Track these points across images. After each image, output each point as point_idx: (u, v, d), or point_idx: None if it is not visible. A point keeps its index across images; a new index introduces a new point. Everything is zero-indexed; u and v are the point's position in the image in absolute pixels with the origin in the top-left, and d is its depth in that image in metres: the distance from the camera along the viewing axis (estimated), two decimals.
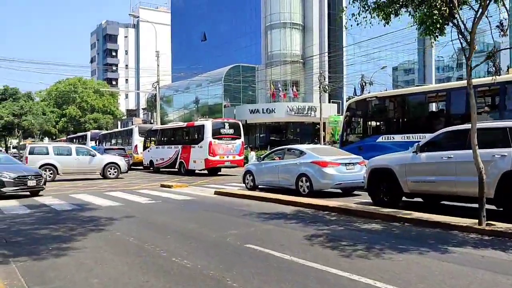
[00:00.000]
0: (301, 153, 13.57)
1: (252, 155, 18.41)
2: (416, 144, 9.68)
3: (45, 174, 16.85)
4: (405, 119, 14.78)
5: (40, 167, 19.79)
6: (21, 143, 56.53)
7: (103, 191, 15.77)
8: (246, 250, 6.42)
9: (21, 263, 5.83)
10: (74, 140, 41.97)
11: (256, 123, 46.58)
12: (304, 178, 12.89)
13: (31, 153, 21.32)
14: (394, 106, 15.37)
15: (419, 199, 10.41)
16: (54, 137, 62.61)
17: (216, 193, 14.15)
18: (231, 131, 23.92)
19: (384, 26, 7.91)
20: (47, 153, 21.32)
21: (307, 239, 7.07)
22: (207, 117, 37.42)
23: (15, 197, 13.80)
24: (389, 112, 15.67)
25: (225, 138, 23.50)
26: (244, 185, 15.61)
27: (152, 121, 55.03)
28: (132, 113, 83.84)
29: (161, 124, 37.24)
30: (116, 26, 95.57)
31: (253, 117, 44.71)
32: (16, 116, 49.85)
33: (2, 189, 13.46)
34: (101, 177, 22.27)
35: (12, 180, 13.71)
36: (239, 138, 24.23)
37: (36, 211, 10.95)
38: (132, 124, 58.14)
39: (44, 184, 14.98)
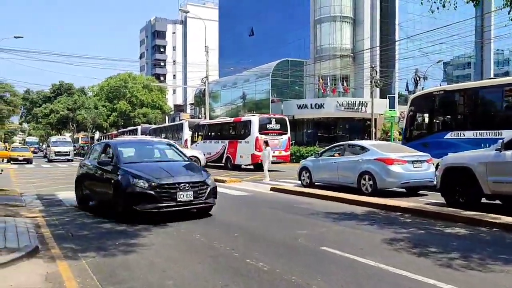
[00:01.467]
0: (364, 149, 12.85)
1: (268, 150, 18.04)
2: (501, 141, 8.78)
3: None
4: (478, 115, 13.68)
5: None
6: (74, 136, 58.65)
7: None
8: (324, 253, 5.90)
9: (91, 259, 5.60)
10: (125, 134, 42.83)
11: (304, 119, 45.72)
12: (367, 176, 12.18)
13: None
14: (464, 100, 14.28)
15: (496, 201, 9.50)
16: (105, 131, 64.45)
17: (272, 189, 13.71)
18: (278, 126, 23.61)
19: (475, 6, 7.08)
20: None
21: (387, 243, 6.46)
22: (254, 112, 37.08)
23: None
24: (459, 106, 14.60)
25: (271, 134, 23.18)
26: (299, 181, 15.06)
27: (199, 116, 55.41)
28: (179, 108, 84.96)
29: (209, 119, 37.29)
30: (164, 22, 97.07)
31: (300, 112, 43.90)
32: (70, 110, 51.68)
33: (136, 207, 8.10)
34: None
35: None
36: (286, 134, 23.83)
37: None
38: (180, 119, 58.93)
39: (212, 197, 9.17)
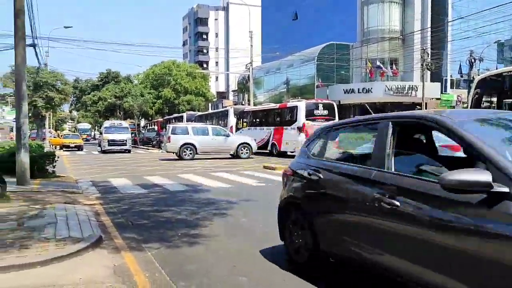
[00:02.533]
0: None
1: (303, 136, 17.12)
2: None
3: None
4: None
5: (181, 147, 21.83)
6: None
7: (208, 172, 15.55)
8: None
9: (155, 250, 5.35)
10: (171, 121, 43.28)
11: (350, 104, 44.53)
12: None
13: (173, 133, 22.51)
14: None
15: None
16: (150, 118, 65.56)
17: None
18: (325, 112, 22.97)
19: None
20: (187, 133, 22.23)
21: None
22: (298, 98, 36.41)
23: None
24: None
25: (318, 119, 22.55)
26: None
27: (242, 103, 55.25)
28: (222, 95, 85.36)
29: (252, 105, 37.00)
30: (207, 9, 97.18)
31: (347, 97, 42.75)
32: (117, 98, 52.65)
33: None
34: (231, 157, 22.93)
35: None
36: (334, 119, 23.10)
37: (150, 191, 10.83)
38: (223, 106, 59.01)
39: None
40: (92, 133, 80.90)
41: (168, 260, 4.94)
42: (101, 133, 34.97)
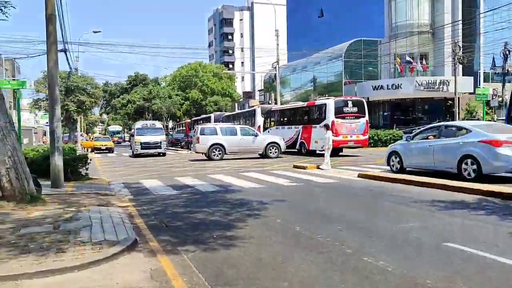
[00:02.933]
0: (464, 130, 11.60)
1: (329, 134, 16.55)
2: None
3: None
4: None
5: (210, 147, 21.91)
6: None
7: (238, 171, 15.45)
8: (449, 250, 5.10)
9: (191, 253, 5.22)
10: (199, 122, 43.49)
11: (379, 101, 43.65)
12: (469, 160, 10.96)
13: (202, 133, 22.50)
14: None
15: None
16: (178, 120, 66.20)
17: (360, 175, 12.86)
18: (355, 109, 22.45)
19: None
20: (216, 134, 22.35)
21: None
22: (326, 95, 35.92)
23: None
24: None
25: (348, 117, 22.14)
26: (386, 167, 14.02)
27: (269, 102, 55.01)
28: (248, 95, 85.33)
29: (279, 104, 36.72)
30: (231, 10, 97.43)
31: (375, 94, 41.92)
32: (146, 100, 53.43)
33: None
34: (259, 157, 22.74)
35: None
36: (363, 117, 22.62)
37: (182, 192, 10.78)
38: (249, 106, 58.93)
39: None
40: (123, 135, 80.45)
41: (205, 264, 4.81)
42: (131, 135, 31.45)
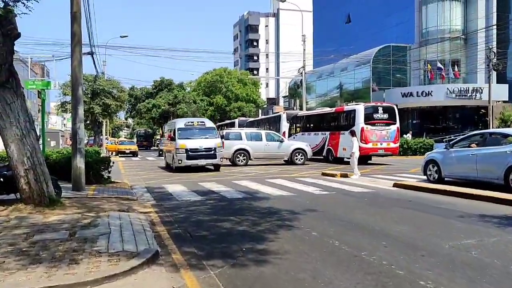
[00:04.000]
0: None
1: (355, 140, 15.64)
2: None
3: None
4: None
5: (234, 152, 21.28)
6: None
7: (264, 178, 14.83)
8: None
9: (219, 269, 4.61)
10: (223, 127, 43.16)
11: (408, 108, 42.38)
12: None
13: (226, 138, 21.69)
14: None
15: None
16: None
17: (396, 185, 12.04)
18: (385, 115, 21.53)
19: None
20: (241, 139, 21.84)
21: None
22: (353, 102, 34.99)
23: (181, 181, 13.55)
24: None
25: (378, 124, 21.26)
26: (424, 176, 13.17)
27: (294, 108, 54.30)
28: (272, 101, 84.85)
29: (305, 110, 35.96)
30: (257, 16, 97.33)
31: (404, 101, 40.68)
32: (171, 105, 53.43)
33: None
34: (284, 163, 22.08)
35: None
36: (394, 124, 21.68)
37: (207, 198, 10.22)
38: (273, 112, 58.29)
39: None
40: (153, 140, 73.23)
41: (235, 282, 4.20)
42: (173, 139, 19.25)
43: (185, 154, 18.05)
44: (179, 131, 18.90)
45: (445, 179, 12.41)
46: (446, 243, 5.63)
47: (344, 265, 4.75)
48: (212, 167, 18.91)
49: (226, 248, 5.49)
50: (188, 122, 20.11)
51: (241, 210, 8.41)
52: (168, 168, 20.13)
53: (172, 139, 19.25)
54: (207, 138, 18.89)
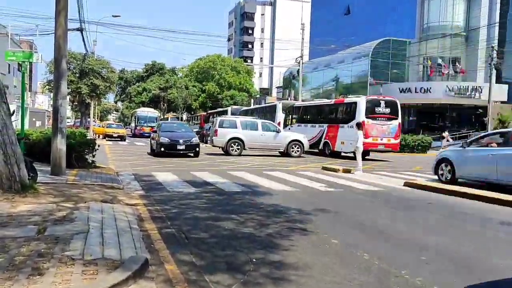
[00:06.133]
0: None
1: (360, 134, 14.63)
2: None
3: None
4: None
5: (228, 141, 20.34)
6: (164, 116, 59.31)
7: (262, 170, 13.78)
8: None
9: None
10: (215, 115, 41.89)
11: (405, 104, 41.42)
12: None
13: (221, 126, 20.84)
14: None
15: None
16: (193, 112, 64.75)
17: (407, 184, 11.07)
18: (387, 110, 20.61)
19: None
20: (236, 127, 20.80)
21: None
22: (349, 96, 34.03)
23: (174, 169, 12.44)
24: None
25: (380, 118, 20.34)
26: (434, 176, 12.24)
27: (287, 99, 53.23)
28: (264, 92, 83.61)
29: (300, 101, 34.90)
30: (254, 4, 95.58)
31: (402, 97, 39.41)
32: (162, 90, 52.10)
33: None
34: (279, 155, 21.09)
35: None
36: (396, 119, 20.76)
37: (202, 190, 9.15)
38: (265, 102, 57.13)
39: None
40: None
41: None
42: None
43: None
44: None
45: (459, 180, 11.49)
46: (501, 261, 4.64)
47: (376, 283, 3.73)
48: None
49: (231, 258, 4.43)
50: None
51: (243, 207, 7.35)
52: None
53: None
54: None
